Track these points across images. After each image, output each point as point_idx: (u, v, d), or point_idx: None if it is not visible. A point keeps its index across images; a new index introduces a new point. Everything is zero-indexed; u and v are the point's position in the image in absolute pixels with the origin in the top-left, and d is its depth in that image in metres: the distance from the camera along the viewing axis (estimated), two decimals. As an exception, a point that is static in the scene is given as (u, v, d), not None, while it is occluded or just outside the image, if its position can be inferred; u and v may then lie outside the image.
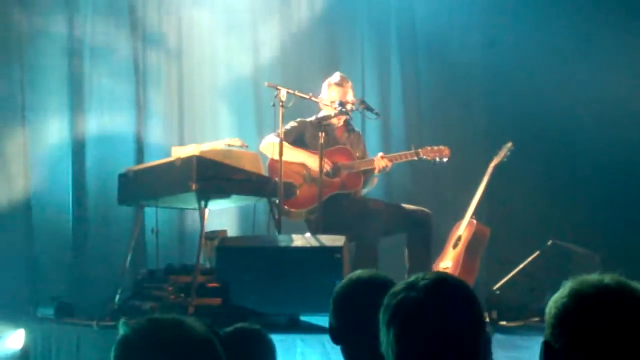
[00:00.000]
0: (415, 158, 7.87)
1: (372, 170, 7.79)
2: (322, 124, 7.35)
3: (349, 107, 7.74)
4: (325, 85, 7.89)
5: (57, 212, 8.48)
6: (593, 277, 2.21)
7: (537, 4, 10.03)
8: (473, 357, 2.44)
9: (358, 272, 3.43)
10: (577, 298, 2.18)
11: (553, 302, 2.22)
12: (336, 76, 7.93)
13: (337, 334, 3.34)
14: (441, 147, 7.90)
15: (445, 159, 7.89)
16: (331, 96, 7.77)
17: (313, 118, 7.82)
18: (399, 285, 2.51)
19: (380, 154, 7.88)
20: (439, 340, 2.40)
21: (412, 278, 2.51)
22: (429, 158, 7.87)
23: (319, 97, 7.78)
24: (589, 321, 2.14)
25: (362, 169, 7.80)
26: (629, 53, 9.67)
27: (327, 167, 7.65)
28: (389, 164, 7.76)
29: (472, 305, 2.49)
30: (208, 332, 2.37)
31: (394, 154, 7.93)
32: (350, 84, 7.92)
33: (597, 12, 9.83)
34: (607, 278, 2.20)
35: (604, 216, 9.50)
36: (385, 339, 2.46)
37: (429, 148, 7.88)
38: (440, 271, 2.57)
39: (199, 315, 6.13)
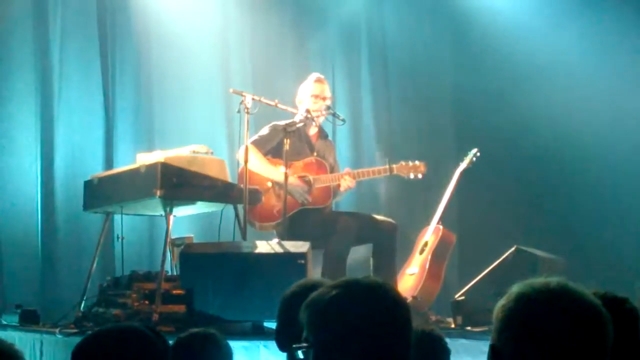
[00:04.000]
0: (388, 174, 7.73)
1: (339, 186, 7.73)
2: (287, 130, 7.33)
3: (324, 104, 7.70)
4: (303, 86, 7.82)
5: (25, 220, 8.44)
6: (538, 281, 2.22)
7: (506, 13, 10.12)
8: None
9: (304, 280, 3.44)
10: (523, 302, 2.19)
11: (500, 307, 2.22)
12: (314, 74, 7.89)
13: (282, 341, 3.33)
14: (417, 163, 7.69)
15: (420, 175, 7.72)
16: (312, 92, 7.69)
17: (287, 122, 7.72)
18: (325, 287, 2.51)
19: (347, 169, 7.82)
20: (361, 342, 2.40)
21: (348, 280, 2.52)
22: (403, 175, 7.71)
23: (298, 99, 7.76)
24: (535, 325, 2.15)
25: (330, 184, 7.71)
26: (596, 62, 9.78)
27: (305, 192, 7.61)
28: (353, 185, 7.67)
29: (398, 310, 2.47)
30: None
31: (365, 170, 7.82)
32: (327, 82, 7.93)
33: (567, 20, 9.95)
34: (553, 282, 2.20)
35: (569, 222, 9.58)
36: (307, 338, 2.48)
37: (403, 164, 7.69)
38: (372, 277, 2.56)
39: (163, 322, 6.15)
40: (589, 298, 2.19)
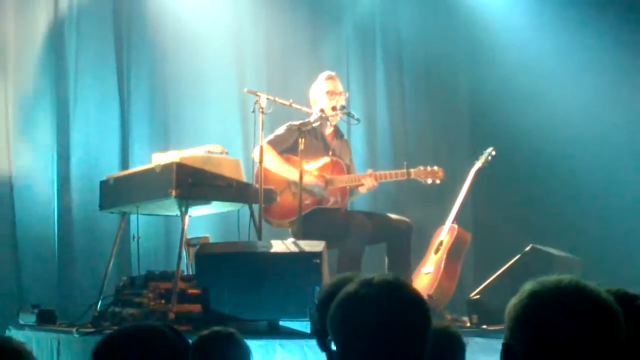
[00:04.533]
0: (405, 178, 7.71)
1: (357, 187, 7.72)
2: (302, 130, 7.34)
3: (341, 98, 7.72)
4: (315, 86, 7.83)
5: (42, 220, 8.47)
6: (551, 278, 2.21)
7: (519, 15, 10.14)
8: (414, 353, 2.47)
9: (345, 274, 3.42)
10: (536, 300, 2.18)
11: (512, 305, 2.22)
12: (325, 72, 7.89)
13: (322, 338, 3.33)
14: (435, 168, 7.71)
15: (438, 181, 7.73)
16: (326, 89, 7.71)
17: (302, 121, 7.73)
18: (353, 284, 2.54)
19: (370, 171, 7.79)
20: (382, 338, 2.43)
21: (366, 278, 2.55)
22: (421, 179, 7.71)
23: (312, 99, 7.77)
24: (548, 323, 2.14)
25: (347, 185, 7.72)
26: (608, 67, 9.80)
27: (321, 188, 7.61)
28: (376, 184, 7.68)
29: (418, 309, 2.51)
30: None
31: (383, 172, 7.77)
32: (338, 78, 7.92)
33: (578, 24, 9.96)
34: (565, 280, 2.20)
35: (584, 220, 9.57)
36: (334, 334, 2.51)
37: (422, 168, 7.70)
38: (387, 274, 2.58)
39: (179, 321, 6.18)
40: (601, 295, 2.18)
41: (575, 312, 2.14)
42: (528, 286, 2.22)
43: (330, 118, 7.68)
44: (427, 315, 2.51)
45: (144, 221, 7.56)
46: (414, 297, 2.52)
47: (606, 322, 2.15)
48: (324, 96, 7.70)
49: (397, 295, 2.49)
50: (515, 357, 2.19)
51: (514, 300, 2.22)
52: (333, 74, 7.90)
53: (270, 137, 7.64)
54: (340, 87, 7.81)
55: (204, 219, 8.06)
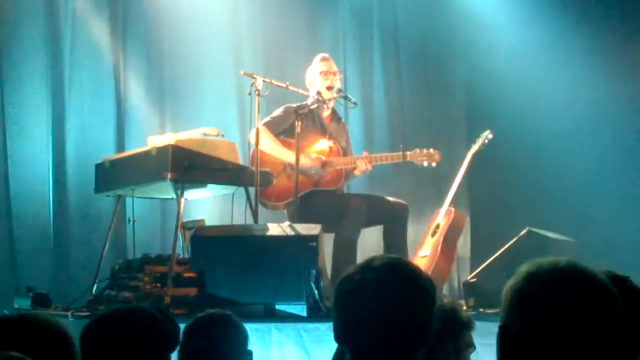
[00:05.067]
0: (401, 160, 7.72)
1: (353, 169, 7.71)
2: (299, 112, 7.32)
3: (336, 78, 7.70)
4: (310, 69, 7.83)
5: (37, 203, 8.43)
6: (547, 260, 2.20)
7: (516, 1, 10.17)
8: (420, 334, 2.49)
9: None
10: (532, 282, 2.16)
11: (509, 287, 2.20)
12: (319, 55, 7.90)
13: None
14: (431, 151, 7.70)
15: (434, 164, 7.72)
16: (320, 70, 7.71)
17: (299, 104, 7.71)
18: (351, 268, 2.55)
19: (365, 153, 7.80)
20: (381, 322, 2.44)
21: (366, 261, 2.55)
22: (417, 162, 7.71)
23: (308, 82, 7.75)
24: (544, 305, 2.12)
25: (344, 167, 7.71)
26: (604, 51, 9.84)
27: (317, 163, 7.59)
28: (370, 168, 7.66)
29: (421, 287, 2.51)
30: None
31: (379, 155, 7.79)
32: (332, 60, 7.92)
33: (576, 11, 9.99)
34: (561, 261, 2.19)
35: (580, 203, 9.57)
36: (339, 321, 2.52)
37: (418, 151, 7.70)
38: (393, 256, 2.57)
39: (175, 305, 6.16)
40: (597, 276, 2.17)
41: (572, 293, 2.13)
42: (524, 268, 2.21)
43: (327, 100, 7.66)
44: (430, 293, 2.52)
45: (139, 204, 7.53)
46: (416, 276, 2.53)
47: (602, 303, 2.14)
48: (318, 77, 7.69)
49: (398, 276, 2.50)
50: (512, 339, 2.17)
51: (510, 283, 2.21)
52: (327, 55, 7.91)
53: (267, 119, 7.63)
54: (334, 68, 7.80)
55: (200, 202, 8.04)
